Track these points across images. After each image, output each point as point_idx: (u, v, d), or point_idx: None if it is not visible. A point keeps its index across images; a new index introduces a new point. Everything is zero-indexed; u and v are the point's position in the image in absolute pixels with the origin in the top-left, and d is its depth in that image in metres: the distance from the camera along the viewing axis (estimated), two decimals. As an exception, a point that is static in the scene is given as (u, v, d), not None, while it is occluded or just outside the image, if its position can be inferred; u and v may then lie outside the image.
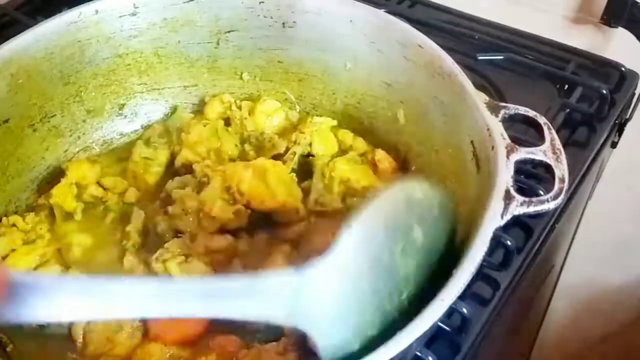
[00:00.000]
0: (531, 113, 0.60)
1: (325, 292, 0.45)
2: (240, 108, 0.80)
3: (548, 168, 0.57)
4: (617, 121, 0.86)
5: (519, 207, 0.52)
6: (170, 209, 0.68)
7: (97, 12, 0.73)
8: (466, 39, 0.93)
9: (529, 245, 0.70)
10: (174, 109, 0.82)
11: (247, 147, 0.77)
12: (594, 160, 0.81)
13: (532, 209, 0.52)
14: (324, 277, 0.45)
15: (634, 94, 0.89)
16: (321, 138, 0.76)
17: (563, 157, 0.56)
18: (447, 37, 0.88)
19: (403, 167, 0.73)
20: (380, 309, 0.49)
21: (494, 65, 0.89)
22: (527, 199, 0.53)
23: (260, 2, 0.75)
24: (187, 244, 0.65)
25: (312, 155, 0.75)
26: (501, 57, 0.89)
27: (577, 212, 0.98)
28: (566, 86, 0.87)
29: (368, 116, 0.77)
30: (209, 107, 0.80)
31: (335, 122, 0.78)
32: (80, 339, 0.60)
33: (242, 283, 0.44)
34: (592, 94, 0.85)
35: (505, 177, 0.54)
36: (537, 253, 0.71)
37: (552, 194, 0.53)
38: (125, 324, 0.60)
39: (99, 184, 0.74)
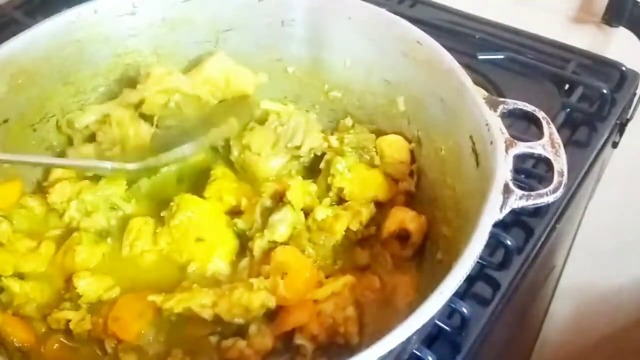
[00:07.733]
0: (529, 108, 0.60)
1: None
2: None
3: (547, 163, 0.56)
4: (618, 121, 0.86)
5: (518, 200, 0.52)
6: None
7: (95, 11, 0.73)
8: (467, 38, 0.93)
9: (530, 245, 0.70)
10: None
11: None
12: (594, 160, 0.81)
13: (531, 202, 0.52)
14: None
15: (634, 94, 0.89)
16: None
17: (562, 151, 0.56)
18: (448, 37, 0.88)
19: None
20: None
21: (494, 65, 0.89)
22: (525, 193, 0.53)
23: (259, 0, 0.75)
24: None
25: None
26: (502, 57, 0.90)
27: (577, 212, 0.97)
28: (567, 86, 0.87)
29: (368, 113, 0.76)
30: None
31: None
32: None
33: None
34: (593, 94, 0.85)
35: (503, 171, 0.53)
36: (538, 253, 0.71)
37: (551, 187, 0.53)
38: None
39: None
